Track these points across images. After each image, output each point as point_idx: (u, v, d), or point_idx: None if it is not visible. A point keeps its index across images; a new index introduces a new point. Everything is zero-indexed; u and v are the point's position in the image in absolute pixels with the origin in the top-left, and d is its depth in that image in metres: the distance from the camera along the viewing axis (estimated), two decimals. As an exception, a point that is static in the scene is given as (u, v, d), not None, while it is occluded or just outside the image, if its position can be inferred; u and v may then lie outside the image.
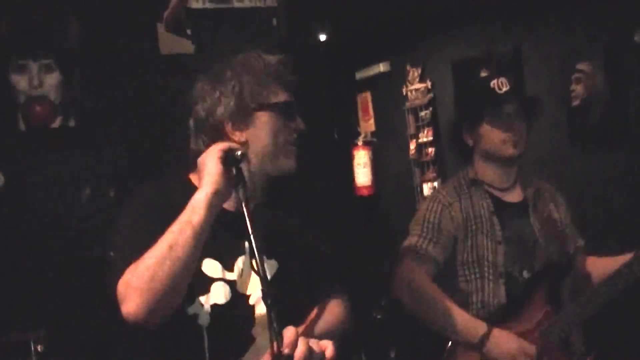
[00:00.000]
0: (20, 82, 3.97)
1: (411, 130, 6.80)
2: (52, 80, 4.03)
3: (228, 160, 2.13)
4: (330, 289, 2.53)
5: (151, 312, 2.05)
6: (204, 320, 2.25)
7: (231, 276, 2.30)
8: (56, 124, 4.03)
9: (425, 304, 3.17)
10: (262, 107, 2.35)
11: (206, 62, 4.36)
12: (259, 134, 2.35)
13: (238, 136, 2.33)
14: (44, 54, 4.03)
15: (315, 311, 2.43)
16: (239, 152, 2.14)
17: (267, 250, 2.26)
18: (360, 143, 7.15)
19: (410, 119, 6.81)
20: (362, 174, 7.10)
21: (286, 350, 1.96)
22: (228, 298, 2.28)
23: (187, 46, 4.34)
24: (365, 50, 7.02)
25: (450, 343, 3.18)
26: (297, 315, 2.32)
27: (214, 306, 2.26)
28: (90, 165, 4.03)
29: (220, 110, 2.33)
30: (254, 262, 2.12)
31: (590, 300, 3.10)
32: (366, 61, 7.12)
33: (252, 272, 2.25)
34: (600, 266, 3.30)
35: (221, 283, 2.28)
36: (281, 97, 2.38)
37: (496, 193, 3.30)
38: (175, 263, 2.03)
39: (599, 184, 5.05)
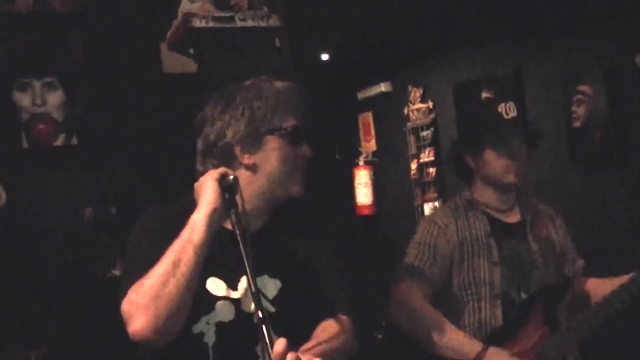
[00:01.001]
0: (23, 100, 3.98)
1: (412, 150, 6.82)
2: (55, 98, 4.03)
3: (222, 184, 2.21)
4: (335, 310, 2.51)
5: (157, 330, 2.10)
6: (210, 339, 2.30)
7: (236, 295, 2.35)
8: (59, 142, 4.03)
9: (421, 325, 3.17)
10: (271, 131, 2.40)
11: (209, 81, 4.41)
12: (269, 158, 2.41)
13: (247, 159, 2.39)
14: (47, 72, 4.04)
15: (317, 331, 2.42)
16: (231, 177, 2.23)
17: (270, 269, 2.39)
18: (361, 163, 7.17)
19: (412, 139, 6.83)
20: (363, 193, 7.11)
21: None
22: (233, 316, 2.33)
23: (190, 65, 4.35)
24: (367, 70, 7.05)
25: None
26: (301, 335, 2.32)
27: (219, 324, 2.31)
28: (92, 183, 4.03)
29: (230, 133, 2.38)
30: (258, 281, 2.18)
31: (586, 321, 3.11)
32: (368, 81, 7.15)
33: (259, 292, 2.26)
34: (599, 287, 3.30)
35: (226, 302, 2.33)
36: (290, 122, 2.43)
37: (494, 214, 3.31)
38: (178, 280, 2.10)
39: (599, 205, 5.06)
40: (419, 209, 6.76)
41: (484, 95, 5.58)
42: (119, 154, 4.11)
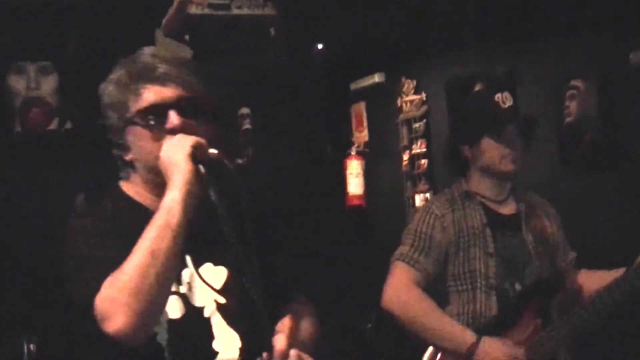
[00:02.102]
0: (18, 84, 3.97)
1: (404, 142, 6.81)
2: (49, 82, 4.03)
3: (197, 158, 2.04)
4: (291, 294, 2.37)
5: (140, 327, 1.97)
6: (163, 338, 2.13)
7: (182, 289, 2.18)
8: (53, 126, 4.02)
9: (415, 314, 3.18)
10: (128, 122, 2.18)
11: (204, 68, 4.40)
12: (135, 152, 2.21)
13: (126, 157, 2.22)
14: (41, 56, 4.03)
15: (289, 319, 2.26)
16: (214, 152, 2.05)
17: (213, 256, 2.21)
18: (353, 153, 7.15)
19: (404, 130, 6.82)
20: (354, 184, 7.08)
21: None
22: (183, 312, 2.16)
23: (185, 52, 4.34)
24: (360, 60, 7.03)
25: (430, 348, 3.20)
26: (257, 324, 2.13)
27: (170, 322, 2.14)
28: (86, 168, 4.03)
29: (107, 124, 2.23)
30: (202, 272, 2.10)
31: (579, 317, 3.11)
32: (361, 72, 7.12)
33: (201, 284, 2.12)
34: (591, 280, 3.32)
35: (174, 297, 2.15)
36: (150, 97, 2.15)
37: (490, 205, 3.32)
38: (159, 271, 1.96)
39: (591, 204, 5.07)
40: (410, 201, 6.74)
41: (479, 87, 5.59)
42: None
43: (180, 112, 2.13)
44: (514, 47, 5.73)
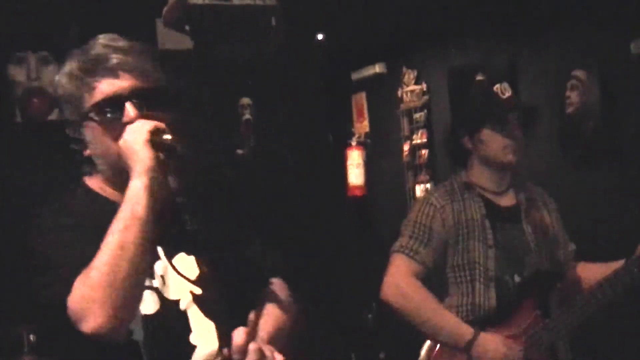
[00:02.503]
0: (18, 74, 3.96)
1: (405, 132, 6.81)
2: (50, 72, 4.01)
3: (156, 144, 1.96)
4: (266, 276, 2.28)
5: (118, 323, 1.91)
6: (138, 335, 2.06)
7: (155, 283, 2.11)
8: (53, 116, 4.01)
9: (413, 306, 3.18)
10: (83, 117, 2.08)
11: (205, 58, 4.39)
12: (93, 147, 2.12)
13: (86, 151, 2.13)
14: (42, 46, 4.02)
15: (261, 307, 2.18)
16: (168, 137, 1.96)
17: (187, 247, 2.13)
18: (354, 143, 7.15)
19: (405, 121, 6.82)
20: (355, 174, 7.10)
21: (236, 357, 1.84)
22: (157, 306, 2.09)
23: (186, 42, 4.33)
24: (362, 51, 7.03)
25: (428, 342, 3.20)
26: (235, 312, 2.11)
27: (145, 317, 2.07)
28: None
29: (63, 119, 2.14)
30: (175, 263, 2.02)
31: (578, 308, 3.12)
32: (362, 62, 7.12)
33: (176, 276, 2.04)
34: (590, 272, 3.32)
35: (148, 292, 2.08)
36: (104, 90, 2.06)
37: (489, 196, 3.32)
38: (130, 264, 1.90)
39: (591, 195, 5.07)
40: (411, 191, 6.76)
41: (479, 78, 5.58)
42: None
43: (137, 104, 2.04)
44: (515, 38, 5.73)
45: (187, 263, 2.11)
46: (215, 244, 2.13)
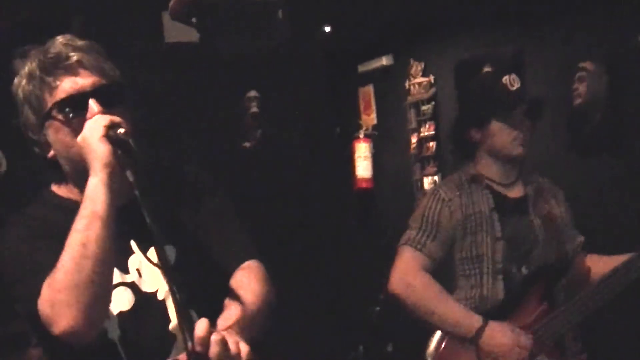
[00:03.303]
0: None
1: (412, 124, 6.79)
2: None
3: (112, 139, 1.95)
4: (241, 258, 2.24)
5: (88, 322, 1.90)
6: (114, 334, 2.06)
7: (129, 278, 2.11)
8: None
9: (421, 298, 3.18)
10: (45, 117, 2.07)
11: (211, 51, 4.39)
12: (57, 148, 2.10)
13: (50, 153, 2.12)
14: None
15: (230, 292, 2.16)
16: (122, 131, 1.96)
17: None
18: (361, 136, 7.14)
19: (412, 113, 6.80)
20: (363, 167, 7.09)
21: (198, 348, 1.80)
22: (133, 302, 2.10)
23: (192, 35, 4.32)
24: (368, 43, 7.01)
25: (437, 333, 3.19)
26: (213, 296, 2.12)
27: (121, 315, 2.07)
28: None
29: (24, 121, 2.12)
30: (150, 255, 1.98)
31: (587, 299, 3.11)
32: (369, 54, 7.10)
33: (151, 268, 2.03)
34: (598, 264, 3.31)
35: (121, 288, 2.09)
36: (66, 88, 2.05)
37: (497, 188, 3.30)
38: (94, 261, 1.89)
39: (598, 187, 5.05)
40: (418, 184, 6.74)
41: (487, 69, 5.56)
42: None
43: (99, 100, 2.04)
44: (522, 29, 5.70)
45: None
46: (183, 233, 2.14)
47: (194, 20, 4.31)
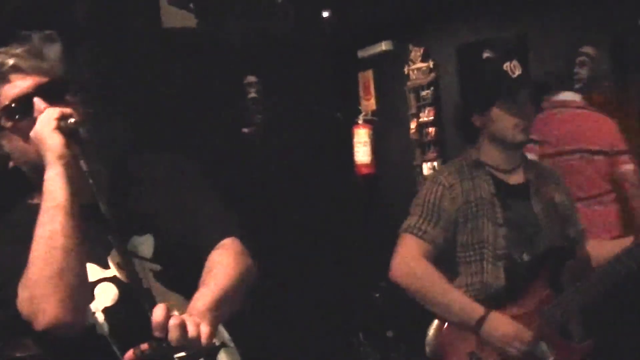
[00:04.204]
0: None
1: (412, 109, 6.77)
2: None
3: (64, 130, 1.96)
4: (218, 236, 2.22)
5: (68, 312, 1.90)
6: (103, 329, 2.07)
7: (110, 272, 2.12)
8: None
9: (423, 285, 3.16)
10: None
11: (209, 36, 4.36)
12: (15, 156, 2.10)
13: (10, 163, 2.11)
14: (46, 25, 3.99)
15: (205, 271, 2.14)
16: (72, 120, 1.97)
17: (139, 226, 2.14)
18: (361, 121, 7.12)
19: (412, 98, 6.78)
20: (362, 152, 7.07)
21: (157, 334, 1.80)
22: (117, 296, 2.10)
23: (190, 20, 4.30)
24: (368, 28, 6.98)
25: (436, 321, 3.18)
26: (195, 283, 2.09)
27: (106, 310, 2.08)
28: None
29: None
30: (129, 248, 2.01)
31: (590, 285, 3.09)
32: (369, 39, 7.08)
33: (135, 259, 2.03)
34: (601, 249, 3.30)
35: (104, 284, 2.09)
36: (9, 93, 2.05)
37: (499, 175, 3.29)
38: (63, 251, 1.91)
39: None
40: (419, 169, 6.72)
41: (488, 55, 5.54)
42: (118, 108, 4.08)
43: (44, 98, 2.03)
44: (524, 13, 5.68)
45: (142, 243, 2.13)
46: (161, 221, 2.15)
47: (191, 5, 4.29)
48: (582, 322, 3.24)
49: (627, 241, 3.12)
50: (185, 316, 1.88)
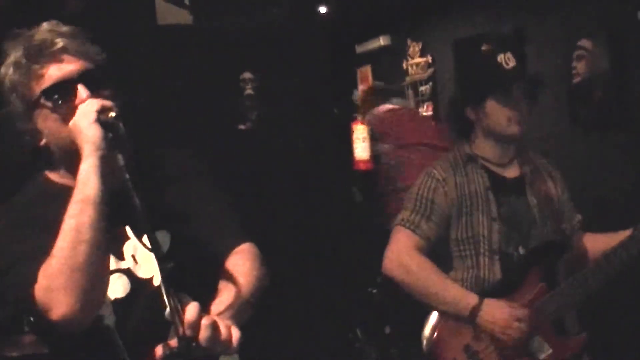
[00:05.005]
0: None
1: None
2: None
3: (104, 123, 1.96)
4: (234, 241, 2.25)
5: (85, 307, 1.91)
6: (110, 320, 2.07)
7: (125, 264, 2.13)
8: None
9: (416, 278, 3.16)
10: (34, 106, 2.08)
11: (205, 32, 4.34)
12: (47, 135, 2.11)
13: (41, 141, 2.13)
14: (39, 22, 3.97)
15: (224, 276, 2.16)
16: (112, 115, 1.97)
17: (156, 221, 2.06)
18: (359, 117, 7.10)
19: (410, 93, 6.78)
20: (361, 148, 7.04)
21: (188, 332, 1.80)
22: (128, 289, 2.11)
23: (185, 17, 4.28)
24: (366, 23, 6.98)
25: (432, 314, 3.17)
26: (207, 279, 2.13)
27: (115, 302, 2.09)
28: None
29: (11, 111, 2.12)
30: (145, 241, 1.96)
31: (586, 279, 3.08)
32: (367, 35, 7.08)
33: (148, 253, 1.98)
34: (597, 242, 3.29)
35: (117, 275, 2.11)
36: (53, 75, 2.06)
37: (493, 168, 3.28)
38: (89, 245, 1.91)
39: (599, 163, 5.03)
40: (417, 165, 6.71)
41: (484, 48, 5.53)
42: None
43: (87, 85, 2.06)
44: (521, 7, 5.67)
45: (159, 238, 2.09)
46: (176, 218, 2.15)
47: (187, 2, 4.27)
48: (577, 316, 3.22)
49: (625, 233, 3.10)
50: (216, 317, 1.90)
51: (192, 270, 2.08)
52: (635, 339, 4.27)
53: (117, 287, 2.10)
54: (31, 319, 3.54)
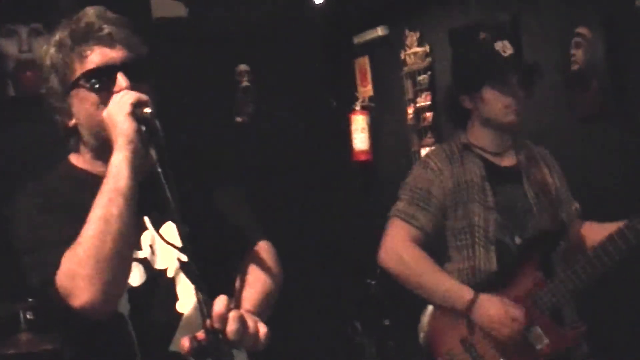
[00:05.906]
0: (9, 46, 3.91)
1: (409, 95, 6.73)
2: (41, 44, 3.96)
3: (137, 116, 1.97)
4: (251, 239, 2.28)
5: (107, 298, 1.94)
6: (124, 308, 2.09)
7: (142, 254, 2.14)
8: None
9: (411, 271, 3.16)
10: (72, 86, 2.10)
11: (200, 25, 4.33)
12: (79, 117, 2.13)
13: (71, 122, 2.15)
14: (33, 18, 3.96)
15: (246, 272, 2.18)
16: (147, 111, 1.98)
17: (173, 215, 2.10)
18: (358, 108, 7.08)
19: (409, 83, 6.74)
20: (360, 139, 7.03)
21: (216, 325, 1.80)
22: (144, 278, 2.12)
23: (180, 10, 4.27)
24: (363, 13, 6.94)
25: (427, 307, 3.16)
26: (220, 276, 2.13)
27: (131, 290, 2.10)
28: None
29: (49, 88, 2.16)
30: (163, 232, 2.03)
31: (583, 268, 3.05)
32: (364, 25, 7.03)
33: (163, 245, 2.07)
34: (594, 231, 3.27)
35: (134, 264, 2.10)
36: (95, 59, 2.08)
37: (489, 157, 3.26)
38: (115, 237, 1.92)
39: (596, 153, 5.01)
40: (416, 155, 6.69)
41: (481, 36, 5.51)
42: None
43: (127, 74, 2.07)
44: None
45: (174, 231, 2.07)
46: (197, 210, 2.14)
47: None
48: (575, 306, 3.21)
49: (622, 223, 3.08)
50: (244, 312, 1.91)
51: (205, 265, 2.04)
52: (635, 329, 4.25)
53: (134, 276, 2.11)
54: (28, 315, 3.57)
